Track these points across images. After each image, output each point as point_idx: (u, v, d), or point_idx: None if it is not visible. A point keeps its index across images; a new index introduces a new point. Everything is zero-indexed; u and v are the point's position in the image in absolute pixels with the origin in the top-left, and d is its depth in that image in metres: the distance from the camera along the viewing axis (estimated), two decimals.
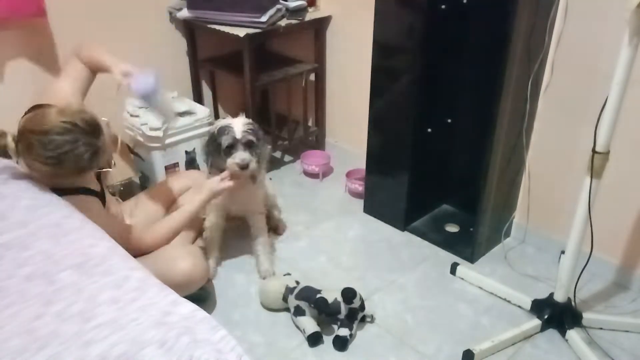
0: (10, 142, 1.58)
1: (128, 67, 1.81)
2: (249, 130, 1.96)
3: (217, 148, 1.98)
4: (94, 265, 1.25)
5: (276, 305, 2.02)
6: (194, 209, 2.02)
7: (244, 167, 1.96)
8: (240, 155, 1.95)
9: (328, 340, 1.91)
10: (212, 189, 2.01)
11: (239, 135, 1.94)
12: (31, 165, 1.60)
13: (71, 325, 1.07)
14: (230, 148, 1.96)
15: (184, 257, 1.92)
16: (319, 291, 1.95)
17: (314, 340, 1.89)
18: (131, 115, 2.51)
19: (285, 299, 1.98)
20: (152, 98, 1.75)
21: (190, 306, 1.15)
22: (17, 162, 1.63)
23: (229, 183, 1.99)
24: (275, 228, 2.49)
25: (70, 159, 1.58)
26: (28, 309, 1.12)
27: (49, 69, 2.38)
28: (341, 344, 1.88)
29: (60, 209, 1.47)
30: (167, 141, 2.47)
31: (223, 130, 1.96)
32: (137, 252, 1.82)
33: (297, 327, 1.96)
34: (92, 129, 1.62)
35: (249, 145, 1.97)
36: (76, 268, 1.24)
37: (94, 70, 1.91)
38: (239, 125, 1.96)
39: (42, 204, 1.49)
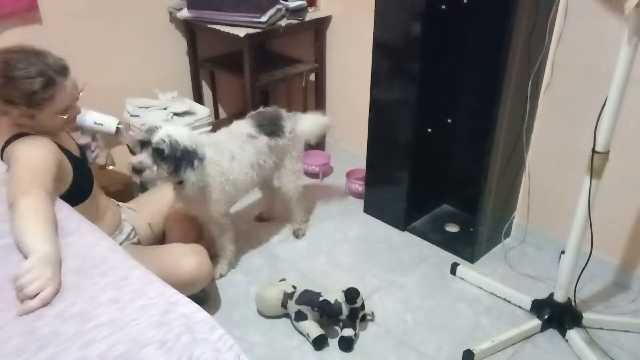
0: None
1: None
2: (171, 142, 1.82)
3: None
4: (94, 266, 1.25)
5: (275, 312, 2.01)
6: None
7: (135, 169, 1.83)
8: (138, 157, 1.83)
9: (332, 342, 1.91)
10: None
11: (154, 139, 1.81)
12: None
13: (71, 325, 1.07)
14: (140, 147, 1.85)
15: (189, 255, 1.91)
16: (319, 294, 1.94)
17: (320, 343, 1.89)
18: (131, 115, 2.51)
19: (284, 305, 1.97)
20: (84, 126, 1.86)
21: (189, 306, 1.15)
22: None
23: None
24: (295, 232, 2.49)
25: (22, 80, 1.57)
26: None
27: None
28: (347, 344, 1.88)
29: (59, 211, 1.47)
30: None
31: (151, 129, 1.85)
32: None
33: (300, 332, 1.95)
34: (57, 63, 1.64)
35: (158, 153, 1.82)
36: (76, 269, 1.24)
37: None
38: (166, 131, 1.83)
39: None
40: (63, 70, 1.65)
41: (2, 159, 1.66)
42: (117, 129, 1.90)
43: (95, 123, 1.86)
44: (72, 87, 1.68)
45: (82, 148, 1.92)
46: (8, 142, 1.63)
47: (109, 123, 1.88)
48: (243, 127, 2.14)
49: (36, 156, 1.57)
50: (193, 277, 1.87)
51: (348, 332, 1.89)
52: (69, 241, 1.34)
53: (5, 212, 1.43)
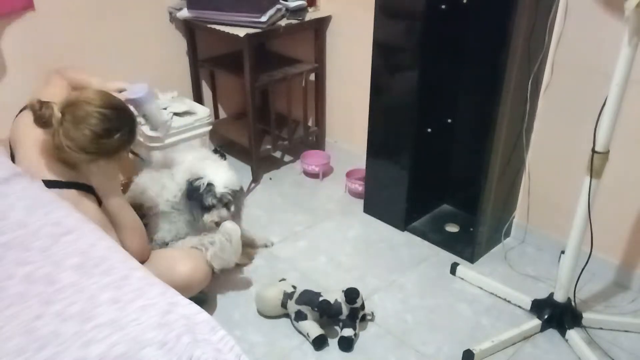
0: (56, 111, 1.58)
1: (119, 84, 1.86)
2: (229, 192, 2.01)
3: (198, 199, 2.00)
4: (94, 265, 1.25)
5: (275, 312, 2.01)
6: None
7: (219, 223, 2.02)
8: (220, 214, 2.02)
9: (332, 342, 1.91)
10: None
11: (219, 195, 1.99)
12: (68, 138, 1.59)
13: (71, 325, 1.07)
14: (211, 206, 2.01)
15: (184, 261, 1.92)
16: (319, 294, 1.94)
17: (320, 343, 1.89)
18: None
19: (284, 305, 1.97)
20: (144, 106, 1.82)
21: (190, 306, 1.15)
22: (52, 134, 1.61)
23: None
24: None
25: (116, 137, 1.63)
26: (28, 309, 1.12)
27: (45, 69, 2.38)
28: (347, 344, 1.88)
29: (60, 209, 1.47)
30: (167, 141, 2.47)
31: (206, 188, 1.98)
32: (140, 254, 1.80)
33: (300, 332, 1.95)
34: (135, 122, 1.70)
35: (227, 205, 2.03)
36: (76, 268, 1.24)
37: (77, 89, 1.90)
38: (220, 181, 1.99)
39: (41, 203, 1.49)
40: (136, 124, 1.75)
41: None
42: (164, 125, 1.95)
43: (149, 114, 1.88)
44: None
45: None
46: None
47: (161, 118, 1.93)
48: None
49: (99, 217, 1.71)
50: (188, 282, 1.87)
51: (348, 332, 1.89)
52: (69, 240, 1.34)
53: (6, 209, 1.44)
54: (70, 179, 1.70)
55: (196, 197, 1.99)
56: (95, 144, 1.61)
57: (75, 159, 1.67)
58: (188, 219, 2.07)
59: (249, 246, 2.36)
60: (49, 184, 1.64)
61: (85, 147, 1.61)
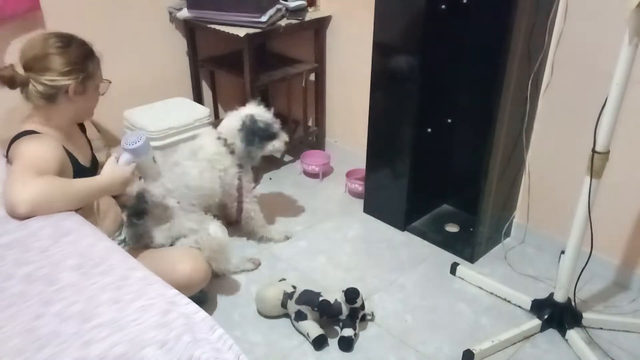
0: (19, 70, 1.63)
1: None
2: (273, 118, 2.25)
3: (263, 129, 2.19)
4: (94, 266, 1.25)
5: (275, 312, 2.01)
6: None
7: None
8: (284, 137, 2.29)
9: (332, 341, 1.91)
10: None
11: (276, 125, 2.24)
12: (44, 71, 1.63)
13: (71, 325, 1.07)
14: (272, 136, 2.23)
15: (183, 260, 1.92)
16: (319, 294, 1.94)
17: (320, 343, 1.89)
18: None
19: (284, 305, 1.97)
20: (140, 157, 1.73)
21: (189, 306, 1.15)
22: (26, 93, 1.66)
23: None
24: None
25: (75, 44, 1.69)
26: (28, 309, 1.12)
27: None
28: (347, 344, 1.88)
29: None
30: (167, 141, 2.48)
31: (263, 122, 2.20)
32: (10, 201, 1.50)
33: (300, 332, 1.95)
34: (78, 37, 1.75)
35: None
36: (76, 268, 1.24)
37: None
38: (268, 115, 2.23)
39: None
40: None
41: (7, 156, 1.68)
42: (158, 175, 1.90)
43: (145, 163, 1.77)
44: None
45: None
46: (15, 139, 1.65)
47: (156, 168, 1.85)
48: None
49: (42, 156, 1.59)
50: (188, 281, 1.87)
51: (348, 332, 1.89)
52: (68, 240, 1.34)
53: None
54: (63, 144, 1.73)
55: (259, 129, 2.18)
56: (63, 57, 1.64)
57: (67, 106, 1.70)
58: (241, 158, 2.24)
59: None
60: (26, 132, 1.66)
61: (60, 68, 1.64)
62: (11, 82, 1.63)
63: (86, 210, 1.73)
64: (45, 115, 1.70)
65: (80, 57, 1.69)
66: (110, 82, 1.84)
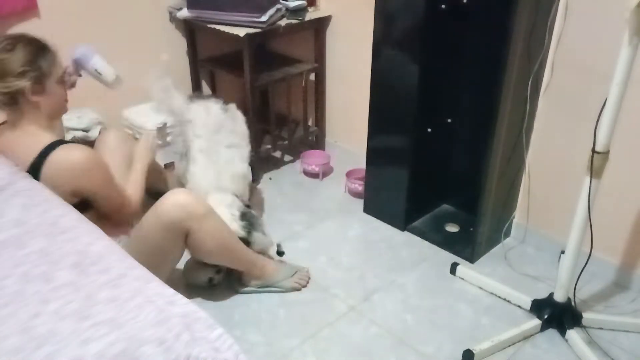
0: None
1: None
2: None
3: None
4: (91, 264, 1.24)
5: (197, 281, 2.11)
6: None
7: None
8: None
9: (330, 338, 1.91)
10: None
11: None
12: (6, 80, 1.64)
13: (68, 323, 1.07)
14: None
15: (173, 192, 1.88)
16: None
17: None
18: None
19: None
20: (88, 64, 1.90)
21: (188, 305, 1.15)
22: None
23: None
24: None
25: (21, 46, 1.67)
26: (25, 307, 1.11)
27: None
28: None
29: (56, 207, 1.47)
30: (167, 140, 2.48)
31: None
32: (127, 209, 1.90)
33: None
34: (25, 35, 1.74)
35: None
36: (73, 266, 1.23)
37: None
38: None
39: (37, 202, 1.48)
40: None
41: (33, 170, 1.67)
42: (115, 81, 1.98)
43: (96, 71, 1.92)
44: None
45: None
46: (47, 152, 1.68)
47: (108, 74, 1.95)
48: None
49: (98, 162, 1.78)
50: (183, 201, 1.84)
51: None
52: (65, 238, 1.34)
53: (2, 208, 1.44)
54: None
55: None
56: (12, 62, 1.64)
57: (30, 108, 1.70)
58: None
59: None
60: (55, 143, 1.69)
61: (12, 71, 1.64)
62: None
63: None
64: (19, 119, 1.71)
65: (30, 57, 1.67)
66: (80, 76, 1.87)
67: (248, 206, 2.21)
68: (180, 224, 1.83)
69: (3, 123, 1.75)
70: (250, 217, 2.12)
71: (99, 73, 1.91)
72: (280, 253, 2.26)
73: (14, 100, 1.67)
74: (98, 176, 1.75)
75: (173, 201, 1.83)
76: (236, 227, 2.04)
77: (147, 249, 1.82)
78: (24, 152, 1.68)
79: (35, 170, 1.66)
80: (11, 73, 1.64)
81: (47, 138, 1.70)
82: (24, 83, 1.65)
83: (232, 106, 2.27)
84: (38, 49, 1.71)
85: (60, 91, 1.79)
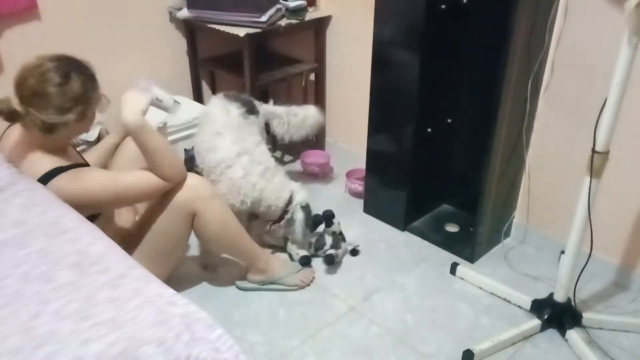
0: (16, 104, 1.58)
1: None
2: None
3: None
4: (91, 264, 1.24)
5: None
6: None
7: None
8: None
9: (330, 338, 1.91)
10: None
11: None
12: (43, 108, 1.57)
13: (68, 324, 1.07)
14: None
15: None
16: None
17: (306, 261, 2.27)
18: None
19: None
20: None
21: (188, 305, 1.15)
22: (28, 124, 1.62)
23: None
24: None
25: (75, 77, 1.60)
26: (25, 307, 1.11)
27: None
28: (329, 259, 2.24)
29: (56, 208, 1.47)
30: (169, 139, 2.48)
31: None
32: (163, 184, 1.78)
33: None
34: (80, 60, 1.68)
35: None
36: (73, 267, 1.23)
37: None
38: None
39: (37, 202, 1.48)
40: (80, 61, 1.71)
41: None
42: (173, 107, 1.96)
43: (157, 99, 1.90)
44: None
45: None
46: (48, 178, 1.65)
47: (167, 100, 1.95)
48: None
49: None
50: (190, 182, 1.85)
51: (331, 251, 2.23)
52: (66, 238, 1.34)
53: (2, 208, 1.44)
54: (69, 162, 1.72)
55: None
56: (64, 94, 1.58)
57: (66, 133, 1.67)
58: None
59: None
60: (53, 172, 1.65)
61: (61, 105, 1.58)
62: (10, 117, 1.59)
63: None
64: (43, 143, 1.67)
65: (81, 90, 1.62)
66: (109, 102, 1.77)
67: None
68: (188, 205, 1.86)
69: (9, 126, 1.75)
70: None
71: (159, 100, 1.92)
72: (355, 252, 2.35)
73: (52, 129, 1.61)
74: (103, 195, 1.72)
75: (181, 183, 1.84)
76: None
77: (157, 235, 1.86)
78: (25, 165, 1.67)
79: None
80: (61, 105, 1.59)
81: (47, 164, 1.66)
82: (72, 117, 1.61)
83: (253, 117, 2.27)
84: (90, 79, 1.66)
85: (94, 116, 1.74)
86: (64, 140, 1.75)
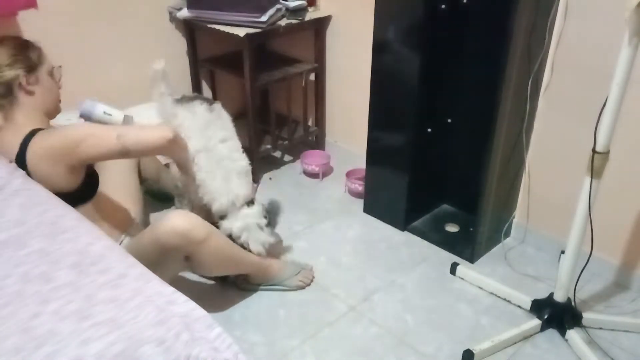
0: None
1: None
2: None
3: None
4: (91, 264, 1.24)
5: None
6: None
7: None
8: None
9: (330, 338, 1.91)
10: None
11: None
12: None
13: (68, 324, 1.07)
14: None
15: (173, 216, 1.79)
16: None
17: None
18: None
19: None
20: (92, 117, 1.94)
21: (188, 304, 1.15)
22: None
23: None
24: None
25: (30, 52, 1.80)
26: (25, 307, 1.11)
27: None
28: None
29: (56, 207, 1.47)
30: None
31: None
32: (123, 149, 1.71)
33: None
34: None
35: None
36: (73, 266, 1.23)
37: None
38: None
39: (37, 202, 1.48)
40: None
41: (18, 163, 1.67)
42: (125, 120, 1.99)
43: (104, 113, 1.95)
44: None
45: None
46: (26, 142, 1.68)
47: (117, 114, 1.98)
48: None
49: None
50: (182, 227, 1.75)
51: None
52: (65, 238, 1.34)
53: (2, 208, 1.44)
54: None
55: None
56: (3, 51, 1.75)
57: (21, 95, 1.77)
58: None
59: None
60: (32, 132, 1.71)
61: (3, 61, 1.73)
62: None
63: (87, 209, 1.76)
64: (17, 117, 1.75)
65: (17, 49, 1.76)
66: (60, 66, 1.89)
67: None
68: (180, 250, 1.78)
69: None
70: (273, 216, 2.18)
71: (109, 115, 1.95)
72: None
73: (9, 90, 1.74)
74: (84, 146, 1.66)
75: (172, 227, 1.74)
76: (264, 237, 2.08)
77: (145, 264, 1.80)
78: (9, 147, 1.69)
79: (21, 164, 1.66)
80: (2, 64, 1.72)
81: (27, 128, 1.71)
82: (17, 71, 1.73)
83: (217, 105, 2.21)
84: (23, 43, 1.81)
85: (52, 84, 1.86)
86: (34, 112, 1.79)
